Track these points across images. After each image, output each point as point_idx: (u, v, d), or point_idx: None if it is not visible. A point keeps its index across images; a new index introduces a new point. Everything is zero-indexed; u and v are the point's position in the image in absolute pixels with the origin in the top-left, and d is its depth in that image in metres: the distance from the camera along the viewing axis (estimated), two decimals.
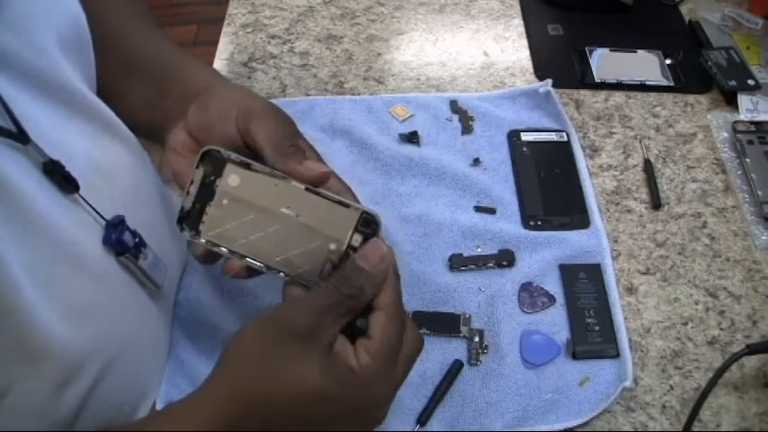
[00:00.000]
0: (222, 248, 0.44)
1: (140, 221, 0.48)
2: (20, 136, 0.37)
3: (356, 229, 0.42)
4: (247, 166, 0.42)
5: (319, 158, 0.48)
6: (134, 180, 0.51)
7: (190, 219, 0.44)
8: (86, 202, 0.42)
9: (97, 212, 0.43)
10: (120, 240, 0.44)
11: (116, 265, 0.46)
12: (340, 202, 0.42)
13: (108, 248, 0.44)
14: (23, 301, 0.36)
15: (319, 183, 0.42)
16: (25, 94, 0.40)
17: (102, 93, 0.50)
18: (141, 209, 0.51)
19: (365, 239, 0.42)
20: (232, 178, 0.42)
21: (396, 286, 0.42)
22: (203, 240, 0.44)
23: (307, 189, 0.42)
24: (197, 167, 0.43)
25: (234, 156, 0.42)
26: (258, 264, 0.43)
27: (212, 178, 0.43)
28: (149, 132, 0.55)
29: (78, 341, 0.41)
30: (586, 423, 0.53)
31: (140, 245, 0.47)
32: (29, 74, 0.41)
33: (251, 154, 0.45)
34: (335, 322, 0.40)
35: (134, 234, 0.46)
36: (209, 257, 0.45)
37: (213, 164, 0.42)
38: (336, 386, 0.39)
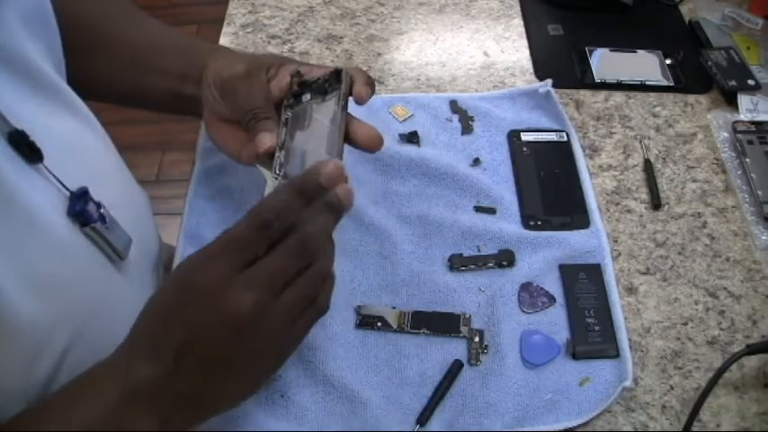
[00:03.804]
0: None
1: (105, 198, 0.48)
2: None
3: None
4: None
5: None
6: (97, 158, 0.52)
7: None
8: (50, 172, 0.42)
9: (61, 183, 0.43)
10: (84, 211, 0.44)
11: (81, 237, 0.45)
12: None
13: (72, 219, 0.44)
14: None
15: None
16: None
17: (119, 91, 0.51)
18: (105, 186, 0.51)
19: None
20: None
21: (300, 185, 0.43)
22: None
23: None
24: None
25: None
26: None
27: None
28: (180, 102, 0.59)
29: (45, 313, 0.41)
30: (586, 423, 0.53)
31: (104, 216, 0.47)
32: None
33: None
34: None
35: (98, 205, 0.46)
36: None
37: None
38: (186, 270, 0.41)
